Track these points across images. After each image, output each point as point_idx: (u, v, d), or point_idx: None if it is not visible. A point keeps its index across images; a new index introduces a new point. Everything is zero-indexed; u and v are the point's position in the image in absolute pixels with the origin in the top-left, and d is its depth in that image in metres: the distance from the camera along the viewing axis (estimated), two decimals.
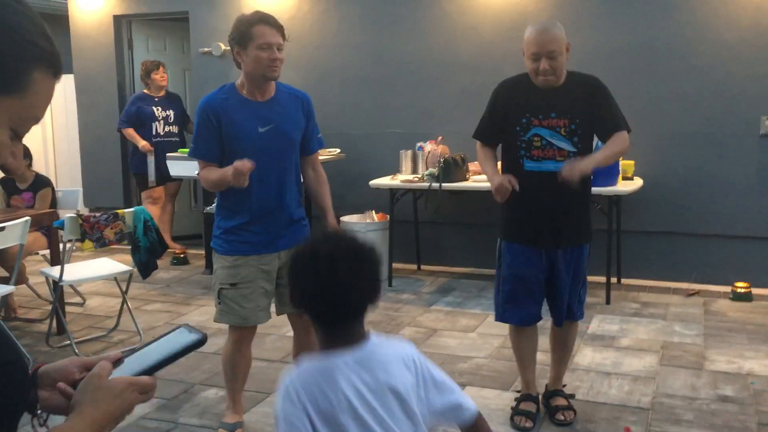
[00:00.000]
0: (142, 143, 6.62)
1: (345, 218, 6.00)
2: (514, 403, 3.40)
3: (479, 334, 4.54)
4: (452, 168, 5.51)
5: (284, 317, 3.29)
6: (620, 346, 4.30)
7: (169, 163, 6.42)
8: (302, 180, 3.24)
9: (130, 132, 6.67)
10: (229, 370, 3.20)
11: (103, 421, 1.04)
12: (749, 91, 5.33)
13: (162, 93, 6.80)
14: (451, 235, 6.30)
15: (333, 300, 1.48)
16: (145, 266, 4.56)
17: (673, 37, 5.49)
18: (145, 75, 6.78)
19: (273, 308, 3.22)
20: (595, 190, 4.58)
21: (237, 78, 3.04)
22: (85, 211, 6.64)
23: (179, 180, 6.84)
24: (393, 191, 5.76)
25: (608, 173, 4.95)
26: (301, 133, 3.09)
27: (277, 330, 4.50)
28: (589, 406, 3.47)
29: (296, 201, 3.13)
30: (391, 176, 5.94)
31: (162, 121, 6.76)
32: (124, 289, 4.69)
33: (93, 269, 4.70)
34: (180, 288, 5.84)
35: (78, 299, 5.37)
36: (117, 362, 1.13)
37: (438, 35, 6.13)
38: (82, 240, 4.30)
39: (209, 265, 6.30)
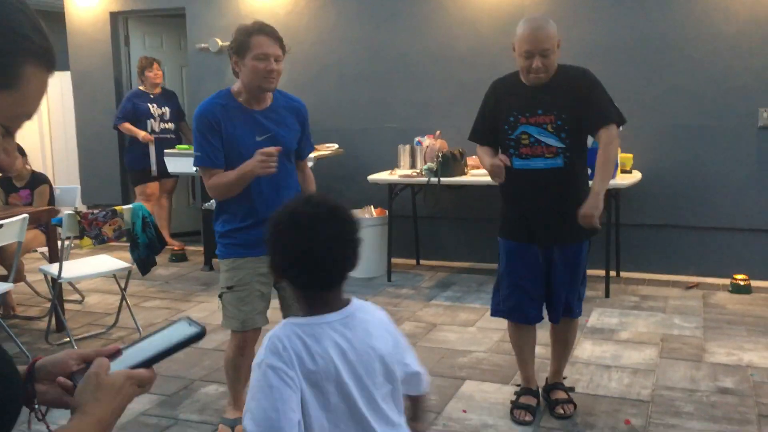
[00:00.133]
0: (143, 134, 6.61)
1: None
2: (513, 397, 3.40)
3: (479, 328, 4.54)
4: (450, 162, 5.50)
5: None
6: (620, 339, 4.30)
7: (166, 159, 6.40)
8: None
9: (128, 126, 6.64)
10: (231, 372, 3.19)
11: (108, 418, 1.04)
12: (747, 83, 5.33)
13: (157, 90, 6.79)
14: (450, 230, 6.30)
15: (316, 264, 1.46)
16: (144, 263, 4.55)
17: (671, 30, 5.48)
18: (140, 72, 6.78)
19: (270, 310, 3.21)
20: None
21: (234, 75, 3.02)
22: (83, 209, 6.63)
23: (176, 176, 6.83)
24: (391, 186, 5.76)
25: None
26: (297, 141, 3.09)
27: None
28: (589, 399, 3.47)
29: None
30: (389, 171, 5.93)
31: (158, 118, 6.74)
32: (123, 286, 4.69)
33: (92, 266, 4.69)
34: (179, 285, 5.84)
35: (77, 296, 5.36)
36: (115, 354, 1.13)
37: (435, 30, 6.12)
38: (80, 237, 4.29)
39: (208, 262, 6.30)
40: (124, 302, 4.69)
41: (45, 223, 4.71)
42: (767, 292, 5.21)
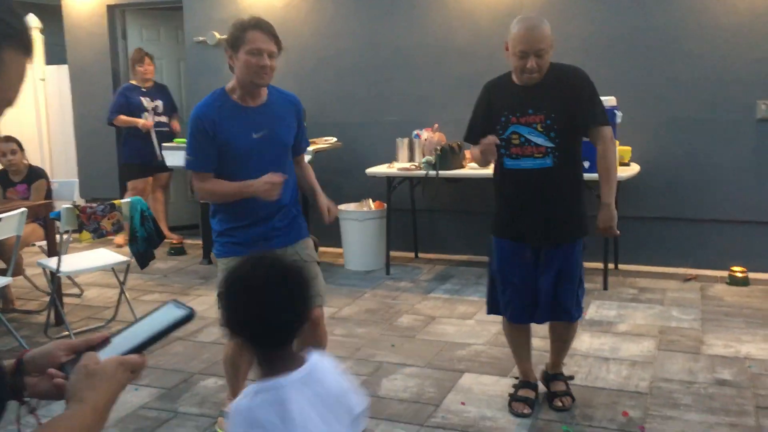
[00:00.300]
0: (141, 121, 6.56)
1: (342, 207, 6.00)
2: (512, 390, 3.41)
3: (477, 321, 4.55)
4: (449, 155, 5.50)
5: None
6: (618, 332, 4.31)
7: (165, 153, 6.40)
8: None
9: (123, 118, 6.58)
10: (230, 369, 3.20)
11: (103, 406, 1.04)
12: (746, 75, 5.32)
13: (149, 84, 6.74)
14: (449, 223, 6.30)
15: (269, 325, 1.50)
16: (143, 256, 4.56)
17: (669, 22, 5.47)
18: (131, 66, 6.73)
19: None
20: (592, 176, 4.58)
21: (230, 74, 3.01)
22: (81, 202, 6.63)
23: (170, 170, 6.80)
24: (390, 179, 5.76)
25: None
26: (293, 137, 3.08)
27: None
28: (587, 391, 3.49)
29: (293, 200, 3.11)
30: (387, 164, 5.93)
31: (151, 111, 6.69)
32: (121, 279, 4.69)
33: (90, 260, 4.70)
34: (177, 278, 5.85)
35: (76, 290, 5.37)
36: (104, 343, 1.13)
37: (433, 23, 6.11)
38: (79, 231, 4.29)
39: (206, 255, 6.30)
40: (122, 296, 4.70)
41: (43, 217, 4.71)
42: (765, 284, 5.22)
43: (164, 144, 6.50)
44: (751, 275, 5.26)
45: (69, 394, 1.04)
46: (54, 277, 4.42)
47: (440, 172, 5.47)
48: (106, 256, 4.76)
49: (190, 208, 7.48)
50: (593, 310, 4.72)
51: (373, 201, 6.08)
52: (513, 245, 3.20)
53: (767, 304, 4.79)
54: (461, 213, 6.16)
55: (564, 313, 3.22)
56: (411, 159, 5.93)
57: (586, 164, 4.56)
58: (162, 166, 6.64)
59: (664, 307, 4.77)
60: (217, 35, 6.75)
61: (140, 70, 6.64)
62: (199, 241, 6.54)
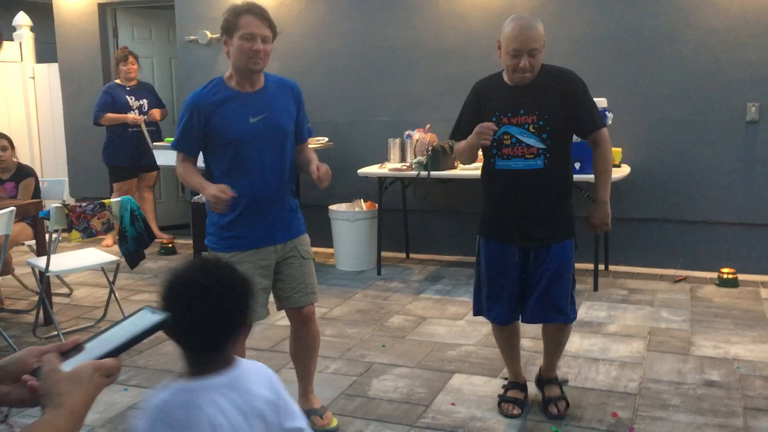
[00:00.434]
0: (131, 116, 6.47)
1: (333, 207, 6.00)
2: (501, 391, 3.41)
3: (468, 321, 4.56)
4: (440, 156, 5.51)
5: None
6: (608, 333, 4.33)
7: (155, 152, 6.38)
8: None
9: (111, 115, 6.49)
10: None
11: (81, 410, 1.04)
12: (736, 78, 5.35)
13: (133, 83, 6.66)
14: (440, 224, 6.31)
15: (203, 332, 1.48)
16: (133, 256, 4.54)
17: (660, 24, 5.50)
18: (116, 65, 6.66)
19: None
20: (582, 177, 4.60)
21: (223, 67, 3.01)
22: (71, 202, 6.59)
23: (156, 170, 6.74)
24: (381, 180, 5.76)
25: None
26: (293, 123, 3.05)
27: (266, 319, 4.49)
28: (577, 392, 3.49)
29: (290, 192, 3.09)
30: (379, 165, 5.93)
31: (136, 111, 6.61)
32: (111, 279, 4.67)
33: (80, 259, 4.67)
34: None
35: (65, 290, 5.34)
36: (76, 348, 1.12)
37: (426, 23, 6.11)
38: (68, 230, 4.27)
39: (197, 255, 6.28)
40: (112, 295, 4.68)
41: (32, 216, 4.68)
42: (754, 285, 5.25)
43: (155, 143, 6.47)
44: (740, 276, 5.29)
45: (45, 399, 1.04)
46: (43, 276, 4.40)
47: (432, 172, 5.48)
48: (96, 255, 4.74)
49: (180, 208, 7.46)
50: (583, 311, 4.73)
51: (365, 201, 6.07)
52: (500, 246, 3.18)
53: (756, 305, 4.82)
54: (452, 213, 6.16)
55: (558, 314, 3.16)
56: (403, 159, 5.93)
57: (577, 165, 4.60)
58: (148, 166, 6.58)
59: (654, 308, 4.79)
60: (209, 34, 6.73)
61: (124, 69, 6.56)
62: (190, 241, 6.51)
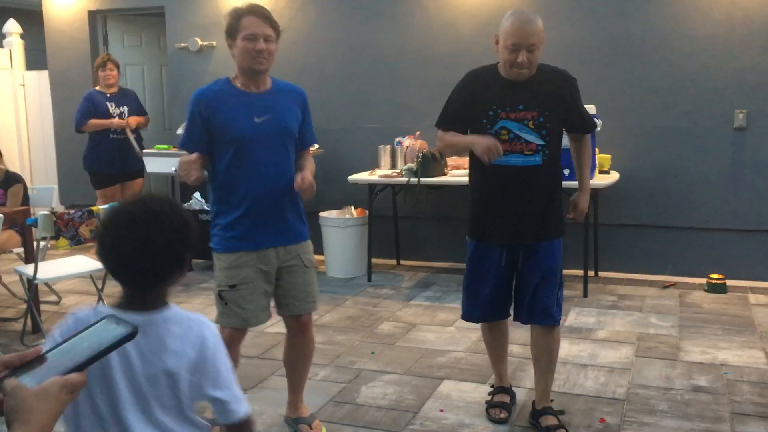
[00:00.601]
0: (116, 121, 6.30)
1: (324, 214, 6.00)
2: (489, 398, 3.41)
3: (457, 327, 4.56)
4: (430, 163, 5.52)
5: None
6: (597, 338, 4.33)
7: (145, 159, 6.37)
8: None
9: (95, 122, 6.33)
10: None
11: (49, 425, 1.04)
12: (723, 85, 5.39)
13: (113, 90, 6.50)
14: (430, 230, 6.31)
15: (121, 263, 1.48)
16: None
17: (647, 31, 5.53)
18: (95, 72, 6.54)
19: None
20: (572, 183, 4.61)
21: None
22: (61, 209, 6.57)
23: (140, 177, 6.65)
24: (371, 186, 5.76)
25: None
26: (298, 126, 3.04)
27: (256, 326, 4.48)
28: (565, 397, 3.49)
29: (293, 195, 3.03)
30: (369, 171, 5.94)
31: (117, 118, 6.42)
32: (100, 286, 4.66)
33: (68, 267, 4.65)
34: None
35: (54, 297, 5.32)
36: (38, 359, 1.11)
37: (416, 30, 6.13)
38: (56, 238, 4.26)
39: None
40: (100, 303, 4.66)
41: (20, 223, 4.66)
42: (742, 291, 5.27)
43: (145, 151, 6.45)
44: (729, 282, 5.32)
45: (12, 416, 1.04)
46: (30, 284, 4.38)
47: (422, 179, 5.49)
48: (84, 263, 4.72)
49: None
50: (573, 317, 4.74)
51: (355, 208, 6.08)
52: (486, 249, 3.14)
53: (744, 310, 4.84)
54: (443, 220, 6.18)
55: (545, 315, 3.11)
56: (393, 166, 5.94)
57: (566, 172, 4.61)
58: (130, 173, 6.48)
59: (643, 314, 4.80)
60: (199, 41, 6.74)
61: (102, 75, 6.40)
62: None
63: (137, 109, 6.62)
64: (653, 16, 5.51)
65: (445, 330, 4.56)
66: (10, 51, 7.95)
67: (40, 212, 4.23)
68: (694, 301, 5.08)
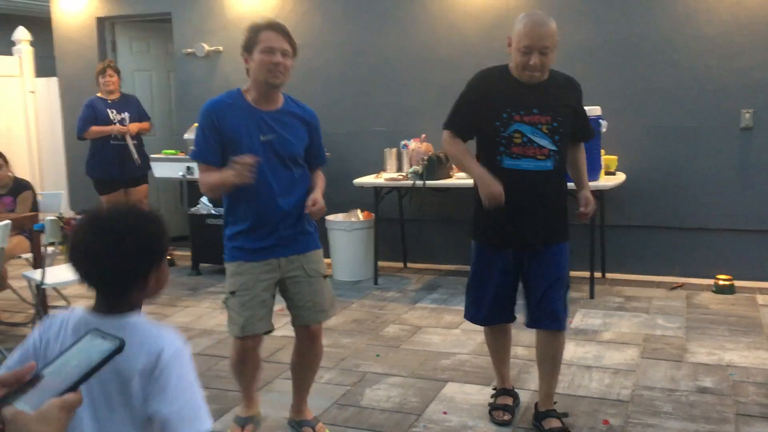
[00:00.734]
0: (117, 127, 6.30)
1: (330, 217, 6.02)
2: (491, 400, 3.40)
3: (463, 330, 4.56)
4: (436, 165, 5.53)
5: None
6: (602, 340, 4.32)
7: (153, 164, 6.41)
8: None
9: (96, 128, 6.32)
10: (236, 376, 3.22)
11: None
12: (729, 85, 5.37)
13: (114, 96, 6.49)
14: (437, 233, 6.32)
15: (86, 267, 1.51)
16: None
17: (653, 31, 5.52)
18: (96, 78, 6.51)
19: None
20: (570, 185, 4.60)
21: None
22: (70, 214, 6.62)
23: (144, 183, 6.68)
24: (377, 189, 5.78)
25: (590, 168, 4.95)
26: (303, 148, 3.04)
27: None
28: (569, 399, 3.49)
29: (301, 210, 3.03)
30: (375, 174, 5.95)
31: (117, 125, 6.41)
32: None
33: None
34: (165, 290, 5.82)
35: (63, 302, 5.35)
36: (35, 379, 1.13)
37: (420, 33, 6.15)
38: (63, 243, 4.29)
39: (195, 267, 6.31)
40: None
41: (28, 229, 4.71)
42: (750, 291, 5.24)
43: (153, 156, 6.49)
44: (737, 283, 5.29)
45: None
46: (39, 289, 4.42)
47: (427, 182, 5.49)
48: None
49: (179, 220, 7.49)
50: (579, 318, 4.73)
51: (362, 211, 6.09)
52: (491, 252, 3.13)
53: (752, 311, 4.81)
54: (449, 222, 6.18)
55: (552, 320, 3.10)
56: (399, 169, 5.95)
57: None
58: (132, 180, 6.51)
59: (650, 315, 4.78)
60: (206, 47, 6.78)
61: (102, 82, 6.39)
62: (189, 253, 6.53)
63: (139, 115, 6.59)
64: (658, 17, 5.50)
65: (450, 332, 4.57)
66: (20, 58, 8.03)
67: (47, 218, 4.27)
68: (702, 302, 5.06)
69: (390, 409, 3.47)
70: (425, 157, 5.57)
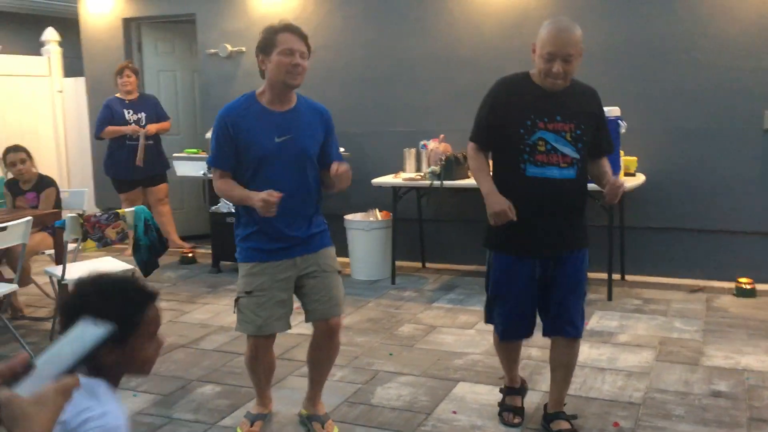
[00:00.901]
0: (131, 128, 6.41)
1: (348, 216, 6.05)
2: (500, 398, 3.39)
3: (477, 330, 4.56)
4: (454, 166, 5.53)
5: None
6: (618, 342, 4.29)
7: (175, 163, 6.50)
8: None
9: (111, 128, 6.44)
10: (250, 374, 3.29)
11: (49, 431, 1.08)
12: (752, 85, 5.29)
13: (132, 96, 6.59)
14: (455, 233, 6.31)
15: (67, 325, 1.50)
16: (147, 265, 4.63)
17: (675, 32, 5.46)
18: (114, 79, 6.63)
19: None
20: (597, 186, 4.56)
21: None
22: (96, 211, 6.73)
23: (164, 182, 6.76)
24: (396, 189, 5.79)
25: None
26: (318, 147, 3.07)
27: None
28: (580, 401, 3.47)
29: (314, 212, 3.10)
30: (394, 174, 5.97)
31: (133, 125, 6.52)
32: None
33: (95, 268, 4.77)
34: (185, 286, 5.92)
35: None
36: (27, 368, 1.15)
37: (441, 33, 6.15)
38: (84, 240, 4.38)
39: (216, 264, 6.38)
40: None
41: (51, 225, 4.81)
42: None
43: (175, 155, 6.58)
44: (759, 287, 5.21)
45: (11, 425, 1.07)
46: (59, 284, 4.51)
47: (445, 182, 5.50)
48: (112, 264, 4.84)
49: (202, 217, 7.57)
50: (595, 320, 4.70)
51: (380, 211, 6.11)
52: (514, 261, 3.07)
53: None
54: (466, 222, 6.16)
55: (570, 327, 3.08)
56: (418, 169, 5.96)
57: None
58: (148, 179, 6.58)
59: (667, 318, 4.74)
60: (229, 47, 6.85)
61: (120, 82, 6.51)
62: (210, 251, 6.61)
63: (157, 115, 6.67)
64: (679, 17, 5.44)
65: (464, 332, 4.57)
66: (49, 58, 8.19)
67: (68, 214, 4.36)
68: (722, 305, 4.99)
69: (400, 407, 3.49)
70: (443, 158, 5.58)
